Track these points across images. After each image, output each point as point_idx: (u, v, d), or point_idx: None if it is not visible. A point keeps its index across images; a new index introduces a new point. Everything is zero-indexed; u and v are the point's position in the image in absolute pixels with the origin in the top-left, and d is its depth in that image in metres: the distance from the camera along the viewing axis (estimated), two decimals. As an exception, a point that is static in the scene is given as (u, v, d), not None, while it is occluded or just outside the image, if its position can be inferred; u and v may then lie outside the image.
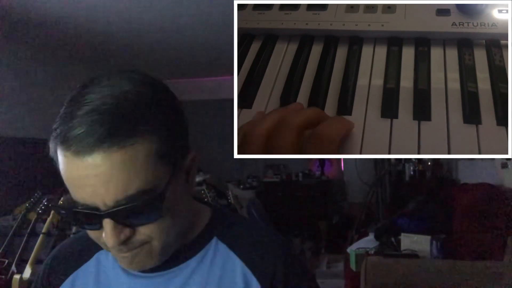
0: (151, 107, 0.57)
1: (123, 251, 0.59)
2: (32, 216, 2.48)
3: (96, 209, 0.55)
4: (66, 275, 0.72)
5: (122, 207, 0.54)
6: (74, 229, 2.39)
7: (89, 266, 0.71)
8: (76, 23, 3.45)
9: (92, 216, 0.56)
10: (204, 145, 5.45)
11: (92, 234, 0.60)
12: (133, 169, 0.54)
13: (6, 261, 2.29)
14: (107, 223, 0.55)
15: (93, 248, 0.71)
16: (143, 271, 0.66)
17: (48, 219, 2.34)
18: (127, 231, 0.57)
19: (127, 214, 0.55)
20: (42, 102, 4.03)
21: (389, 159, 4.11)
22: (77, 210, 0.56)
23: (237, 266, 0.67)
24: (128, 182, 0.54)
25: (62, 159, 0.55)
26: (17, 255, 2.27)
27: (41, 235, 2.29)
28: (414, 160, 3.74)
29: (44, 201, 2.50)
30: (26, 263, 2.19)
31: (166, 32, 3.79)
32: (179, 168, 0.61)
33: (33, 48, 3.97)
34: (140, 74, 0.61)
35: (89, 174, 0.53)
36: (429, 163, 3.57)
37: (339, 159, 5.72)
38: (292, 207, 5.36)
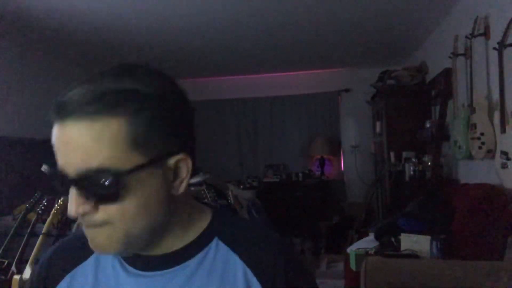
0: (143, 95, 0.58)
1: (86, 225, 0.61)
2: (32, 216, 2.48)
3: (67, 176, 0.57)
4: (64, 273, 0.72)
5: (81, 177, 0.56)
6: (74, 229, 2.39)
7: (87, 265, 0.71)
8: (78, 23, 3.45)
9: (61, 182, 0.58)
10: (205, 145, 5.44)
11: None
12: (99, 144, 0.56)
13: (6, 261, 2.29)
14: (71, 191, 0.58)
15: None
16: (143, 270, 0.67)
17: (48, 219, 2.34)
18: (87, 206, 0.58)
19: (86, 186, 0.57)
20: (42, 102, 4.04)
21: (389, 159, 4.11)
22: (53, 174, 0.59)
23: (238, 266, 0.67)
24: (92, 155, 0.56)
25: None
26: (17, 255, 2.26)
27: (41, 236, 2.28)
28: (414, 160, 3.73)
29: (44, 201, 2.49)
30: (26, 263, 2.19)
31: (166, 33, 3.79)
32: (160, 163, 0.61)
33: (36, 49, 3.97)
34: (150, 69, 0.63)
35: (62, 141, 0.57)
36: (429, 163, 3.56)
37: (339, 159, 5.73)
38: (292, 207, 5.36)
